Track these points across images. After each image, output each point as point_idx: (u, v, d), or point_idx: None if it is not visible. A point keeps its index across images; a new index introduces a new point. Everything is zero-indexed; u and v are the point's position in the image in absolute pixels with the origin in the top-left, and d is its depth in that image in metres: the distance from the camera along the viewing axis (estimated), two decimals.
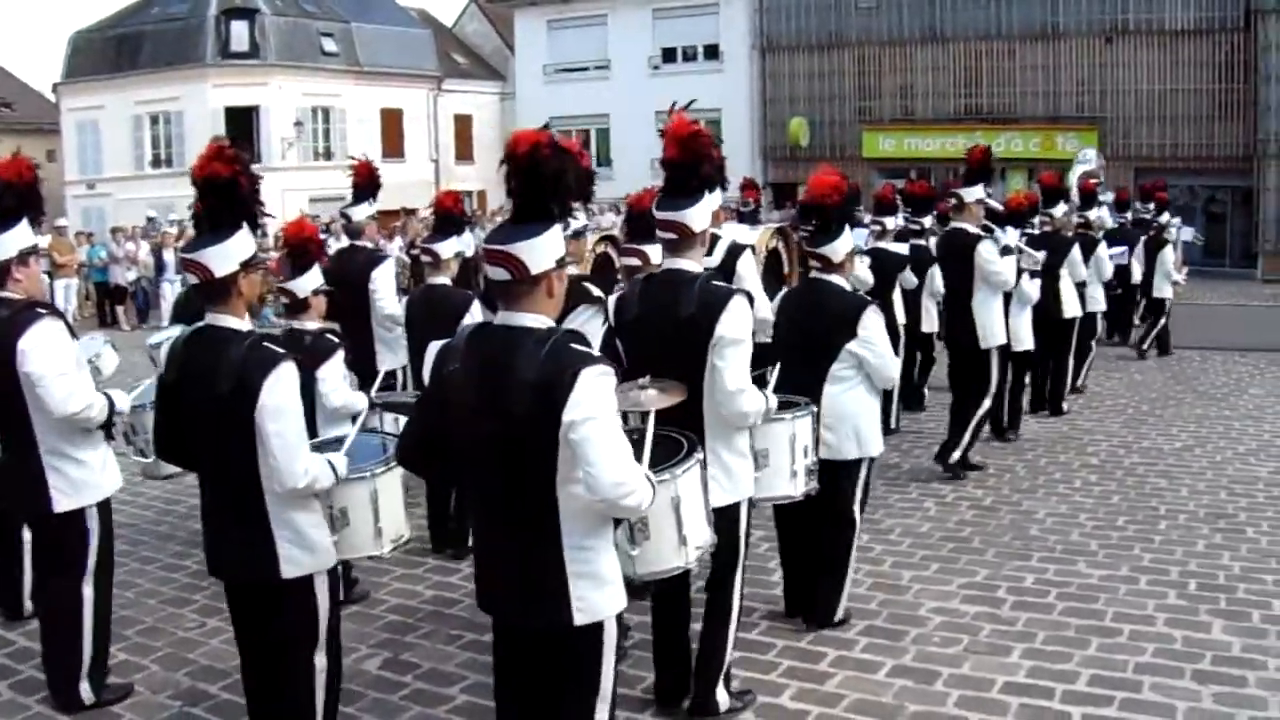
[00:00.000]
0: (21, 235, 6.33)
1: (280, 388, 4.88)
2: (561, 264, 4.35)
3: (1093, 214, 16.09)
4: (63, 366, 6.19)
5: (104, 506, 6.56)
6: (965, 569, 8.48)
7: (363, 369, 8.86)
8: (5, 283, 6.27)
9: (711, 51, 44.24)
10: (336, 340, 7.97)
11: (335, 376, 7.69)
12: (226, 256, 4.99)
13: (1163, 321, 18.18)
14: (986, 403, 11.09)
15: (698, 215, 5.67)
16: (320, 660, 5.30)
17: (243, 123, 45.83)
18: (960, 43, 39.03)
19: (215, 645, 7.36)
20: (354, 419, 7.28)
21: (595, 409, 4.09)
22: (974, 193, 11.08)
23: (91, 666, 6.48)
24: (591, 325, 6.80)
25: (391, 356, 10.10)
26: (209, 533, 5.32)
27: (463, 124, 54.32)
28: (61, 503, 6.31)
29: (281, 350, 4.99)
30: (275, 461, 4.89)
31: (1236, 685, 6.37)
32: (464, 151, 54.09)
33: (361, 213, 10.83)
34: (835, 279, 7.25)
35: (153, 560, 9.15)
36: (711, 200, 5.70)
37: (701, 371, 5.50)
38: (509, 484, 4.29)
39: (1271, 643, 6.96)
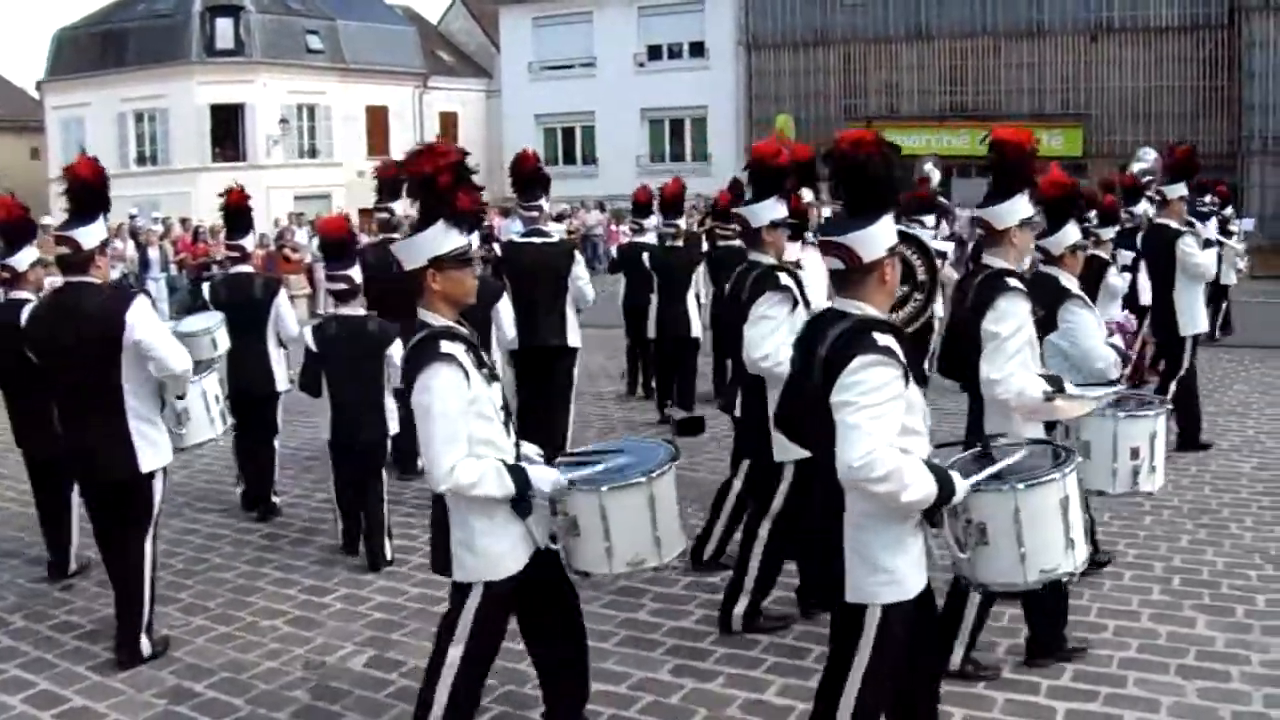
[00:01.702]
0: (100, 228, 7.15)
1: (436, 389, 4.87)
2: (893, 253, 4.65)
3: (1138, 209, 16.32)
4: (165, 333, 7.16)
5: (166, 468, 7.27)
6: (950, 565, 8.46)
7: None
8: (89, 269, 7.04)
9: (697, 49, 44.30)
10: None
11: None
12: (417, 249, 5.10)
13: (1225, 305, 18.91)
14: (1172, 386, 11.39)
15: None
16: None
17: (228, 120, 45.83)
18: (945, 40, 39.14)
19: (201, 643, 7.34)
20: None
21: (854, 395, 4.31)
22: (1177, 190, 11.58)
23: (149, 620, 7.13)
24: (778, 310, 6.90)
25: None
26: None
27: (448, 121, 54.21)
28: (146, 464, 7.01)
29: (444, 348, 4.93)
30: (424, 458, 4.96)
31: (1220, 680, 6.38)
32: None
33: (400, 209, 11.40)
34: (1055, 271, 7.31)
35: None
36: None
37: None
38: (815, 449, 4.71)
39: (1255, 637, 6.96)
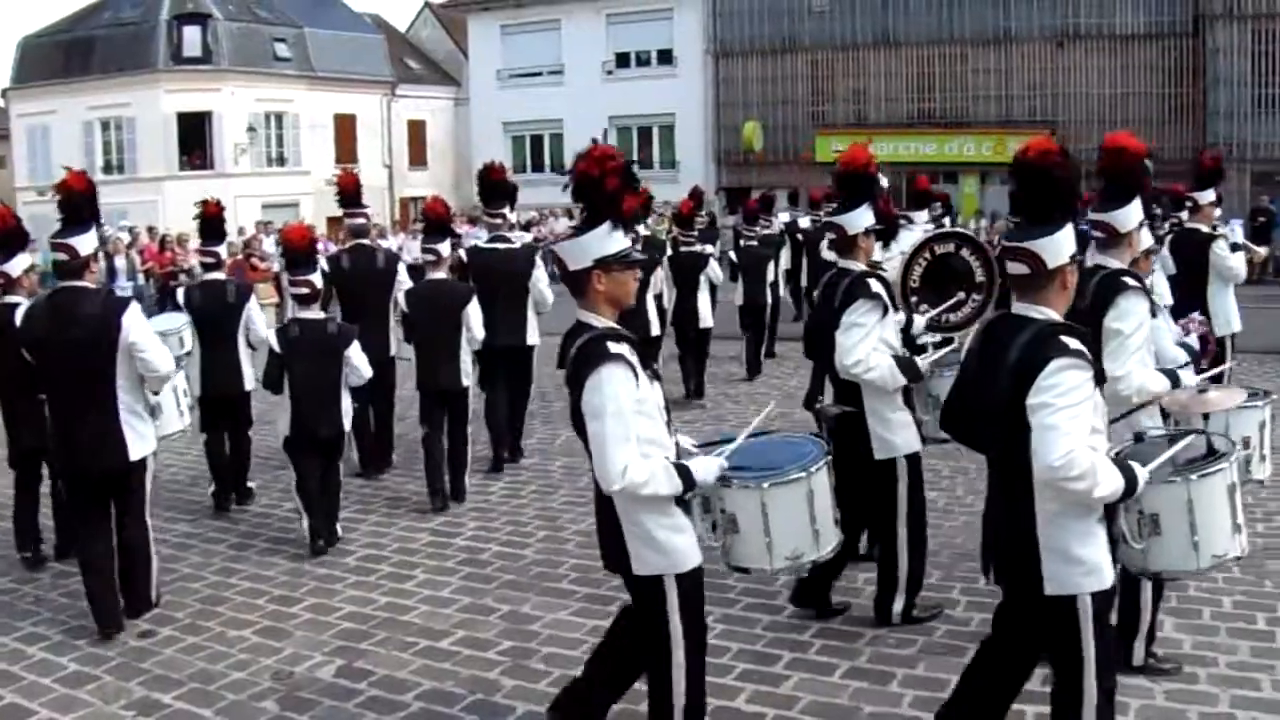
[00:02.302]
0: (94, 236, 7.88)
1: (597, 387, 4.90)
2: (1073, 259, 4.85)
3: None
4: (154, 337, 7.84)
5: (153, 454, 8.00)
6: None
7: (376, 356, 10.35)
8: (83, 274, 7.69)
9: (665, 56, 44.32)
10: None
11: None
12: (583, 250, 5.14)
13: None
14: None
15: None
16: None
17: (195, 129, 45.68)
18: (913, 47, 39.26)
19: (169, 654, 7.30)
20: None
21: (1051, 397, 4.51)
22: (1207, 195, 11.76)
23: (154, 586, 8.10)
24: (869, 318, 6.99)
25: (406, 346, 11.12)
26: None
27: (416, 129, 54.22)
28: (135, 453, 7.67)
29: (614, 348, 4.95)
30: (592, 459, 4.97)
31: (1188, 682, 6.42)
32: (417, 157, 54.04)
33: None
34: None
35: None
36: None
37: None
38: (999, 452, 4.90)
39: (1222, 639, 7.01)
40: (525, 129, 47.47)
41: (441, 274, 10.80)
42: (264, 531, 9.99)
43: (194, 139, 46.00)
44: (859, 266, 7.31)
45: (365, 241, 11.97)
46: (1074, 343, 4.62)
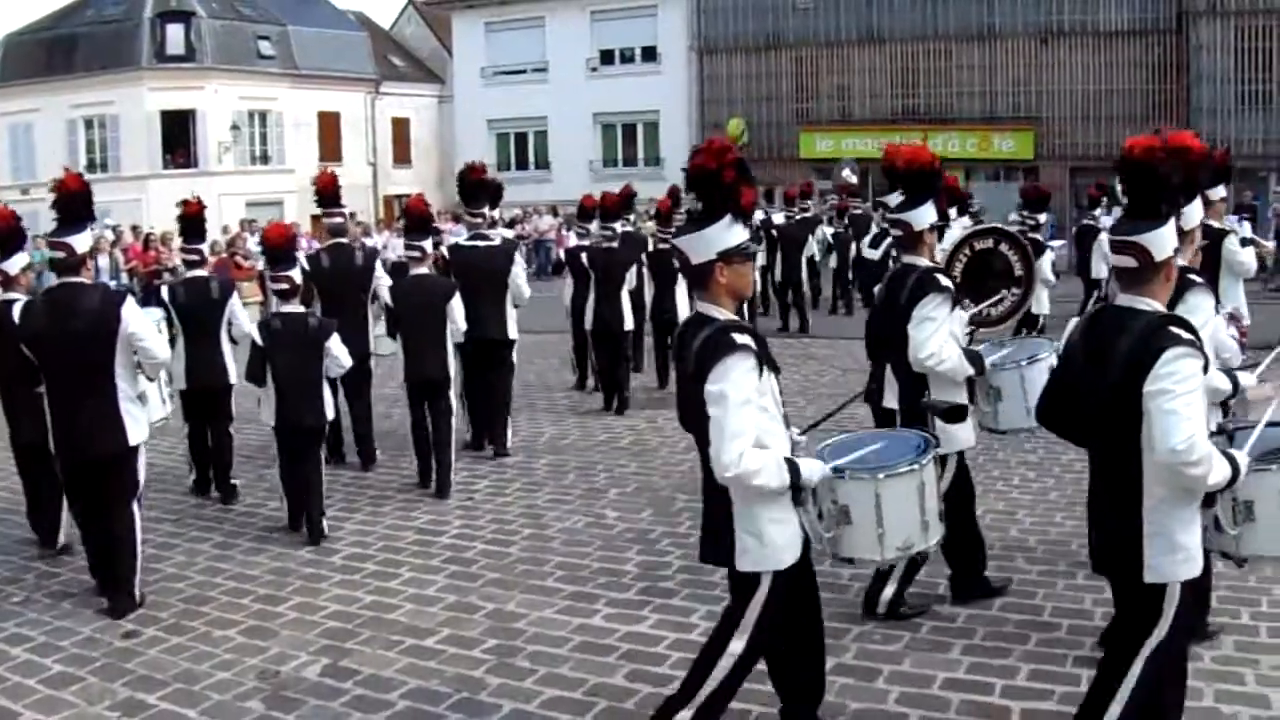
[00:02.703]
0: (89, 235, 8.29)
1: (732, 378, 4.96)
2: (1176, 252, 5.02)
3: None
4: (152, 327, 8.42)
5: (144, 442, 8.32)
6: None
7: (354, 350, 10.52)
8: (80, 271, 8.05)
9: (649, 53, 44.26)
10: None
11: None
12: (706, 243, 5.18)
13: None
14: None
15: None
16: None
17: (179, 126, 45.54)
18: (897, 44, 39.26)
19: (154, 654, 7.28)
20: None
21: (1170, 384, 4.61)
22: (1218, 192, 11.80)
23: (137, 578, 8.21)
24: (940, 311, 7.10)
25: (387, 342, 11.78)
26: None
27: (400, 127, 54.14)
28: (133, 438, 8.05)
29: (739, 340, 5.01)
30: (711, 445, 5.03)
31: None
32: (402, 155, 53.96)
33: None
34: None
35: (85, 568, 9.03)
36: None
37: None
38: (1106, 442, 4.99)
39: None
40: (510, 126, 47.42)
41: (425, 270, 11.25)
42: (249, 531, 9.96)
43: (177, 137, 45.88)
44: (924, 262, 7.42)
45: (344, 240, 12.39)
46: (1185, 333, 4.75)
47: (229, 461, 11.10)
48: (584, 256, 15.30)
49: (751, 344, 5.03)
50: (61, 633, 7.63)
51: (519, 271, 12.56)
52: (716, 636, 5.35)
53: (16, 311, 8.56)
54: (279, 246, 10.25)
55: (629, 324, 14.90)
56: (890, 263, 10.95)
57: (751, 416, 4.98)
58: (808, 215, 23.12)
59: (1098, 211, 22.51)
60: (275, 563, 9.07)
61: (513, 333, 12.48)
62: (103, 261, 26.44)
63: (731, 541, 5.18)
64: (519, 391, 15.59)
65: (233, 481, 11.08)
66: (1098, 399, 4.96)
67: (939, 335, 7.06)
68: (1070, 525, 9.26)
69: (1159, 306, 4.93)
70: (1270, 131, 33.85)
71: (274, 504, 10.41)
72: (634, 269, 15.18)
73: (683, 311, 15.65)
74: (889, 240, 10.61)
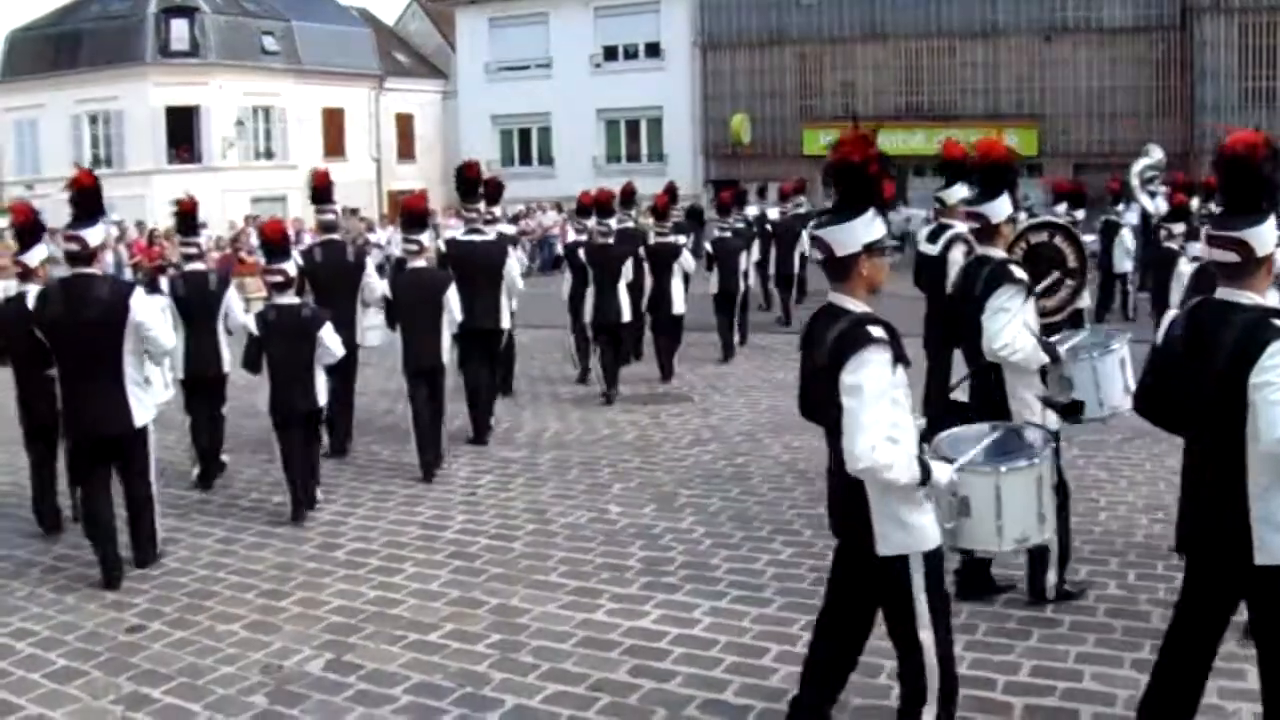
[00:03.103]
0: (101, 229, 8.87)
1: (866, 368, 4.98)
2: (1278, 245, 5.09)
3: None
4: (159, 316, 9.03)
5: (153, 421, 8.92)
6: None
7: (346, 339, 11.02)
8: (93, 263, 8.68)
9: (653, 49, 44.31)
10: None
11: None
12: (852, 235, 5.17)
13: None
14: None
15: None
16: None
17: (183, 122, 45.53)
18: (901, 40, 39.32)
19: (157, 648, 7.29)
20: None
21: (1273, 376, 4.70)
22: None
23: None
24: (1014, 303, 7.16)
25: (375, 334, 12.62)
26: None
27: (404, 123, 54.13)
28: (139, 419, 8.62)
29: (876, 333, 5.03)
30: (843, 437, 5.00)
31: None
32: (406, 150, 53.95)
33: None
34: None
35: (92, 562, 9.04)
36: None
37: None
38: (1209, 432, 5.04)
39: None
40: (513, 122, 47.45)
41: (422, 262, 11.82)
42: (252, 526, 9.97)
43: (182, 133, 45.86)
44: (999, 254, 7.53)
45: (335, 236, 12.87)
46: None
47: (220, 439, 11.64)
48: (581, 252, 15.79)
49: (887, 337, 5.06)
50: (66, 627, 7.64)
51: (513, 264, 13.25)
52: (902, 637, 5.33)
53: (31, 299, 8.97)
54: (274, 241, 10.72)
55: (626, 316, 15.26)
56: (947, 257, 11.02)
57: (885, 410, 5.00)
58: (800, 211, 23.36)
59: (1120, 206, 22.68)
60: (279, 557, 9.09)
61: (506, 322, 13.21)
62: (108, 257, 26.48)
63: (870, 529, 5.19)
64: (522, 386, 15.73)
65: (223, 458, 11.67)
66: (1200, 390, 5.04)
67: (1013, 325, 7.11)
68: (1073, 522, 9.18)
69: (1261, 300, 4.99)
70: (1274, 128, 33.16)
71: (278, 498, 10.43)
72: (630, 263, 15.48)
73: (678, 305, 16.66)
74: (950, 234, 10.69)
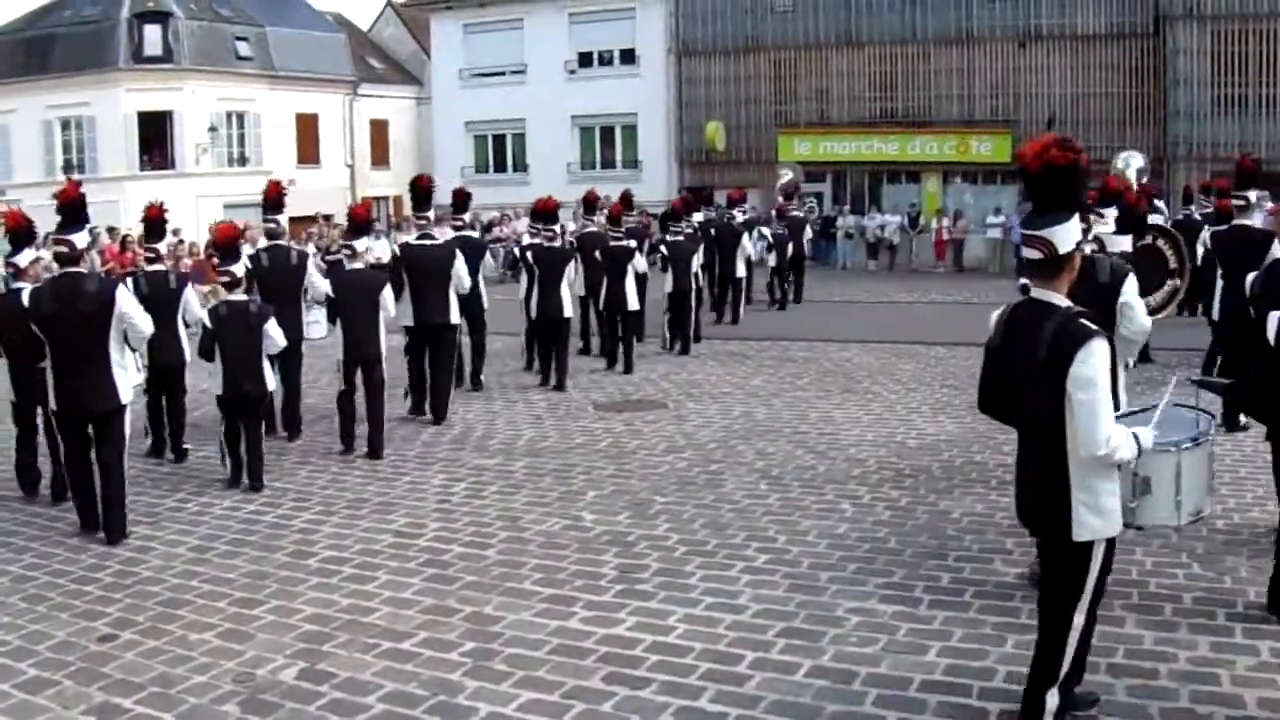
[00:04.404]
0: (86, 234, 10.25)
1: (1093, 360, 5.24)
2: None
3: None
4: (139, 308, 10.14)
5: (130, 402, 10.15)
6: (882, 569, 8.53)
7: (290, 333, 12.46)
8: (79, 263, 10.03)
9: (628, 56, 44.27)
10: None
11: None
12: (1070, 235, 5.43)
13: None
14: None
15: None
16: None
17: (156, 128, 45.38)
18: (875, 47, 39.38)
19: (130, 658, 7.24)
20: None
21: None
22: (1253, 195, 12.68)
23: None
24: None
25: (318, 327, 14.30)
26: None
27: (379, 129, 54.10)
28: (123, 397, 9.86)
29: (1093, 328, 5.30)
30: (1080, 427, 5.30)
31: (1149, 678, 6.46)
32: (380, 156, 53.91)
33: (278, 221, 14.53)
34: None
35: (63, 571, 9.01)
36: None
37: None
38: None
39: (1182, 635, 7.05)
40: (488, 128, 47.37)
41: (360, 265, 13.33)
42: (225, 534, 9.93)
43: (155, 138, 45.74)
44: (1062, 300, 7.78)
45: (280, 242, 14.20)
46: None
47: (183, 424, 12.93)
48: (528, 255, 17.49)
49: (1100, 328, 5.36)
50: (36, 636, 7.59)
51: (460, 266, 14.66)
52: (1054, 616, 5.62)
53: (25, 297, 10.14)
54: (225, 245, 12.13)
55: (568, 311, 16.97)
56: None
57: (1109, 397, 5.29)
58: (746, 218, 25.58)
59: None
60: (252, 565, 9.04)
61: (454, 318, 14.70)
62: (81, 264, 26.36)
63: (1068, 515, 5.42)
64: (495, 393, 15.82)
65: (185, 446, 12.88)
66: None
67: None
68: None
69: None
70: (1245, 135, 33.98)
71: (250, 508, 10.43)
72: (572, 264, 17.36)
73: (633, 302, 18.22)
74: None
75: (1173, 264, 9.88)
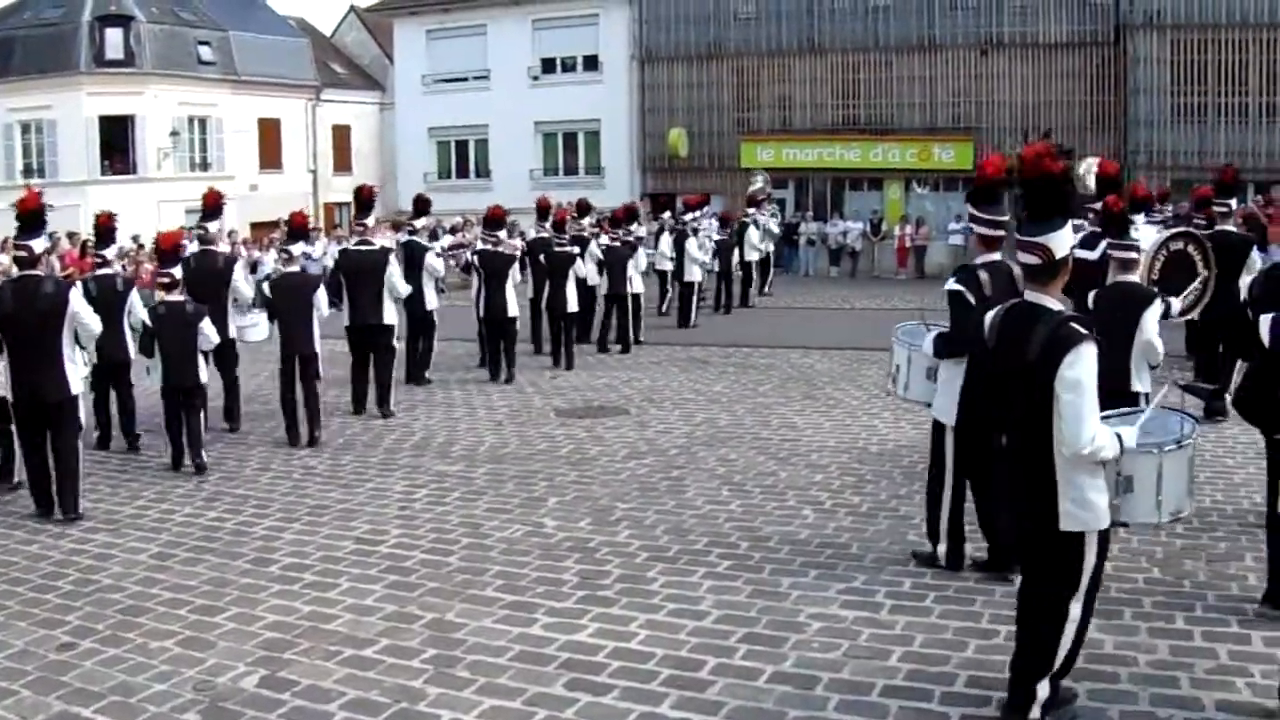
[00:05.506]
0: (44, 239, 11.01)
1: (1081, 364, 5.48)
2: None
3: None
4: (89, 308, 10.97)
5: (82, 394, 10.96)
6: (844, 574, 8.56)
7: (219, 331, 13.37)
8: (37, 266, 10.71)
9: (591, 62, 44.25)
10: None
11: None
12: (1065, 240, 5.73)
13: None
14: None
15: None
16: None
17: (118, 132, 45.15)
18: (838, 54, 39.48)
19: (89, 666, 7.19)
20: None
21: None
22: (1233, 203, 13.16)
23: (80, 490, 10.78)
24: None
25: (258, 329, 15.00)
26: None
27: (341, 134, 53.97)
28: (74, 388, 10.65)
29: (1083, 332, 5.51)
30: (1066, 426, 5.52)
31: (1109, 681, 6.50)
32: (342, 162, 53.77)
33: (214, 228, 15.63)
34: None
35: (21, 580, 8.95)
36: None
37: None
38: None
39: (1142, 639, 7.09)
40: (450, 134, 47.27)
41: (295, 268, 14.51)
42: (186, 541, 9.87)
43: (116, 142, 45.49)
44: (1054, 303, 7.91)
45: (211, 247, 15.07)
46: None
47: (132, 410, 13.78)
48: (475, 259, 18.65)
49: (1090, 332, 5.55)
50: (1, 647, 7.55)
51: (395, 270, 15.60)
52: (1053, 604, 5.80)
53: None
54: (166, 249, 12.94)
55: (513, 311, 18.17)
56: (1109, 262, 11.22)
57: (1095, 398, 5.51)
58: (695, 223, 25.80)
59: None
60: (213, 573, 9.00)
61: (389, 319, 15.52)
62: (39, 269, 26.17)
63: (1054, 508, 5.65)
64: (457, 399, 15.83)
65: (138, 433, 13.79)
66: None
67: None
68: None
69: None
70: (1205, 143, 34.24)
71: (211, 514, 10.40)
72: (515, 267, 18.75)
73: (572, 304, 19.37)
74: (1106, 242, 11.01)
75: (1200, 269, 10.59)
